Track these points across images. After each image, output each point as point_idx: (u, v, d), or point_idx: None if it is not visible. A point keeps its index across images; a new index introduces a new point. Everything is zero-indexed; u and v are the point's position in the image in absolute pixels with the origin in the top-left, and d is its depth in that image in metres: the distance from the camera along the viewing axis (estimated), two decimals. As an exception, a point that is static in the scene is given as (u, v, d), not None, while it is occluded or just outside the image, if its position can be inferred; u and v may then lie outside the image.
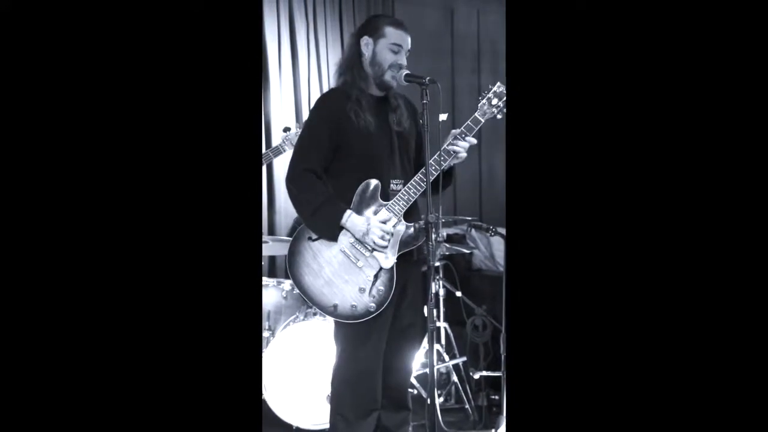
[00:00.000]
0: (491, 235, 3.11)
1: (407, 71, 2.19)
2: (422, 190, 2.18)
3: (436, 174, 2.20)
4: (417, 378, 3.21)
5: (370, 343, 2.26)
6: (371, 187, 2.23)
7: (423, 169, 2.14)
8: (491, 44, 4.82)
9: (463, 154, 2.24)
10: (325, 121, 2.23)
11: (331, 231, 2.21)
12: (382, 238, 2.18)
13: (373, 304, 2.21)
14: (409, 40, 2.27)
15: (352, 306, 2.21)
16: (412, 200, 2.22)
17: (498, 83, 2.25)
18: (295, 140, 2.96)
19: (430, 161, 2.18)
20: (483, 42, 4.80)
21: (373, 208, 2.22)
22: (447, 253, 3.37)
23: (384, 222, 2.19)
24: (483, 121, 2.25)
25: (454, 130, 2.26)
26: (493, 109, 2.25)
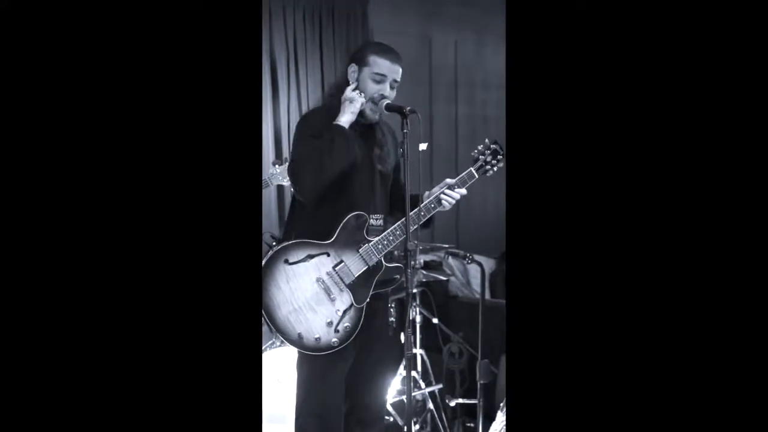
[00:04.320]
0: (468, 263, 3.14)
1: (388, 101, 2.18)
2: (402, 238, 2.16)
3: (423, 219, 2.22)
4: (393, 405, 3.21)
5: (332, 376, 2.22)
6: (357, 221, 2.20)
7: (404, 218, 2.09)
8: (468, 73, 4.91)
9: (448, 206, 2.25)
10: (311, 136, 2.17)
11: (345, 146, 2.12)
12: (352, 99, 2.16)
13: (336, 340, 2.17)
14: (398, 69, 2.22)
15: (316, 338, 2.16)
16: (395, 242, 2.19)
17: (495, 141, 2.29)
18: (282, 174, 2.99)
19: (421, 206, 2.20)
20: (460, 71, 4.88)
21: (356, 246, 2.19)
22: (424, 280, 3.39)
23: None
24: (477, 176, 2.27)
25: (448, 180, 2.25)
26: (487, 166, 2.28)
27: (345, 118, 2.15)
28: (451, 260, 3.91)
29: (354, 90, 2.18)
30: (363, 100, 2.18)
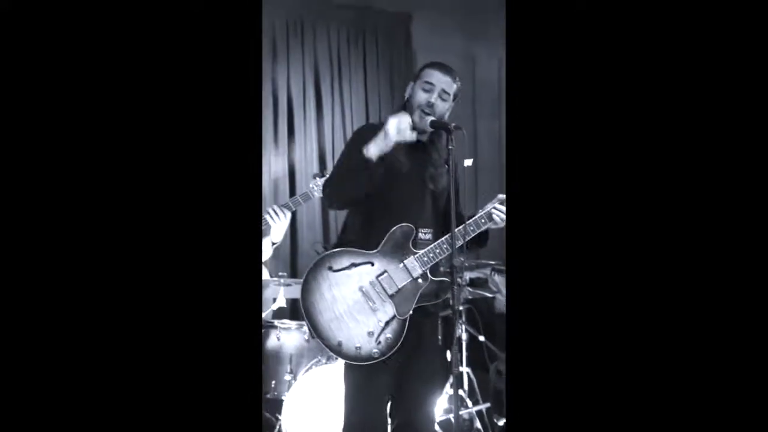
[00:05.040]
0: (514, 280, 3.10)
1: (432, 118, 2.17)
2: (451, 252, 2.13)
3: (473, 235, 2.20)
4: (440, 424, 3.17)
5: (375, 388, 2.20)
6: (404, 232, 2.19)
7: (456, 229, 2.10)
8: (512, 90, 4.89)
9: (501, 222, 2.21)
10: (360, 152, 2.16)
11: (367, 179, 2.11)
12: (398, 131, 2.09)
13: (377, 351, 2.15)
14: (450, 82, 2.22)
15: (357, 348, 2.15)
16: (442, 256, 2.17)
17: None
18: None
19: (469, 222, 2.18)
20: (504, 89, 4.87)
21: (402, 257, 2.18)
22: (470, 297, 3.37)
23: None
24: None
25: (500, 195, 2.22)
26: None
27: (373, 150, 2.12)
28: (497, 277, 3.87)
29: (399, 121, 2.12)
30: (400, 138, 2.12)
